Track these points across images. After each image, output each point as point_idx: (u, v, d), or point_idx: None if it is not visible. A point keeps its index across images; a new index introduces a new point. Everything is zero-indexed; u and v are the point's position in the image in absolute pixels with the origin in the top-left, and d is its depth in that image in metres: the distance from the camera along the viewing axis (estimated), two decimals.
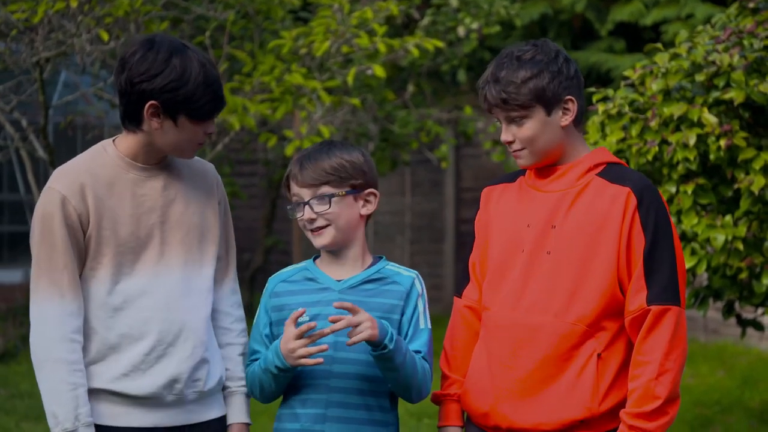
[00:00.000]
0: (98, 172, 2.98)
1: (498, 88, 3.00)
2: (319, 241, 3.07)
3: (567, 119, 3.03)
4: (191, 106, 2.92)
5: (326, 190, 3.04)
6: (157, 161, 3.03)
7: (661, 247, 2.96)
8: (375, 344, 2.91)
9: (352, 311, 2.89)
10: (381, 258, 3.14)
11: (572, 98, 3.02)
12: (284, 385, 3.05)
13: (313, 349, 2.92)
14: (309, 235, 3.09)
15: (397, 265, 3.14)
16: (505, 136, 3.05)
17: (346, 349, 3.00)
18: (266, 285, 3.17)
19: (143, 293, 2.97)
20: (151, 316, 2.97)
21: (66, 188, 2.94)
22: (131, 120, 2.97)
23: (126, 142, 3.01)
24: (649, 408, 2.90)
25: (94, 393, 2.98)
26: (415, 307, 3.07)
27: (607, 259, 2.96)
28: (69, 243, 2.94)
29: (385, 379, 3.02)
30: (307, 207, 3.05)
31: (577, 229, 2.98)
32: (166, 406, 3.01)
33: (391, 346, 2.91)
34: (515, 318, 3.00)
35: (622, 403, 2.97)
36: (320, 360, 2.93)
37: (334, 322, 2.89)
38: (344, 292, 3.05)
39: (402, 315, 3.06)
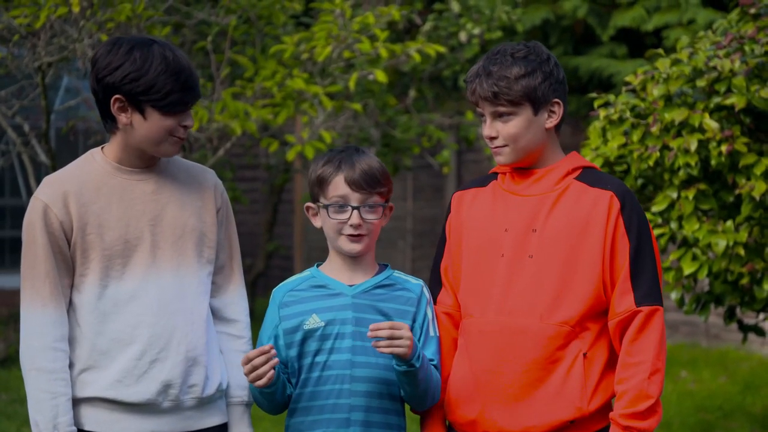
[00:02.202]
0: (85, 179, 2.98)
1: (490, 81, 3.01)
2: (355, 247, 3.05)
3: (552, 122, 3.05)
4: (154, 95, 2.90)
5: (376, 199, 3.04)
6: (145, 164, 3.03)
7: (644, 250, 2.99)
8: (403, 361, 2.92)
9: (397, 327, 2.89)
10: (386, 266, 3.15)
11: (559, 101, 3.05)
12: (277, 400, 3.04)
13: (259, 374, 2.90)
14: (342, 239, 3.05)
15: (402, 272, 3.16)
16: (488, 132, 3.06)
17: (365, 353, 3.02)
18: (272, 297, 3.14)
19: (133, 297, 2.97)
20: (141, 320, 2.96)
21: (48, 197, 2.95)
22: (107, 120, 2.98)
23: (111, 146, 3.02)
24: (643, 407, 2.91)
25: (89, 401, 2.98)
26: (425, 314, 3.10)
27: (592, 261, 2.97)
28: (51, 252, 2.94)
29: (402, 390, 3.03)
30: (355, 212, 3.03)
31: (559, 233, 2.99)
32: (162, 413, 3.00)
33: (417, 365, 2.93)
34: (500, 323, 3.00)
35: (609, 402, 2.98)
36: (262, 382, 2.91)
37: (375, 329, 2.88)
38: (357, 296, 3.06)
39: (413, 321, 3.07)
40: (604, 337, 3.00)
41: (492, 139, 3.06)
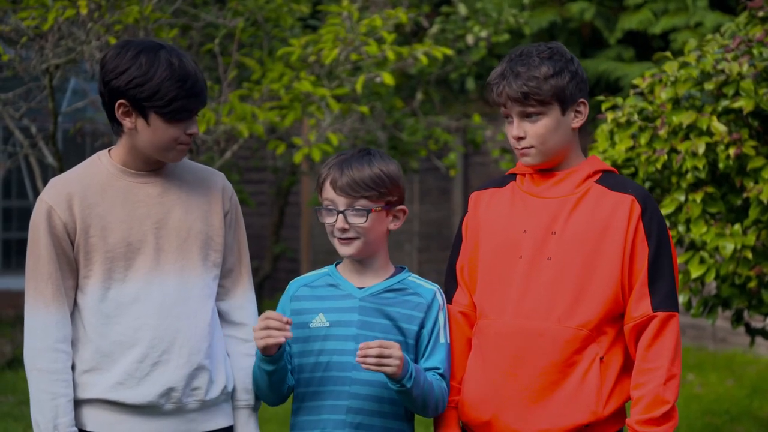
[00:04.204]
0: (90, 181, 2.98)
1: (519, 82, 2.99)
2: (346, 250, 3.06)
3: (578, 122, 3.05)
4: (157, 102, 2.89)
5: (364, 203, 3.03)
6: (152, 167, 3.02)
7: (663, 255, 2.99)
8: (394, 381, 2.93)
9: (386, 346, 2.89)
10: (404, 269, 3.15)
11: (585, 101, 3.05)
12: (276, 385, 3.03)
13: (271, 337, 2.91)
14: (335, 242, 3.08)
15: (419, 277, 3.15)
16: (516, 132, 3.04)
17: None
18: (287, 288, 3.17)
19: (135, 300, 2.97)
20: (144, 323, 2.96)
21: (53, 198, 2.96)
22: (113, 122, 2.98)
23: (118, 149, 3.02)
24: (659, 413, 2.92)
25: (91, 402, 2.98)
26: (436, 320, 3.08)
27: (611, 266, 2.97)
28: (54, 253, 2.94)
29: (405, 405, 3.04)
30: (340, 216, 3.04)
31: (578, 236, 2.98)
32: (164, 415, 3.00)
33: (408, 385, 2.93)
34: (517, 325, 2.99)
35: (623, 407, 2.99)
36: (264, 344, 2.91)
37: (365, 348, 2.88)
38: (365, 299, 3.07)
39: (422, 327, 3.07)
40: (620, 342, 3.00)
41: (519, 139, 3.04)
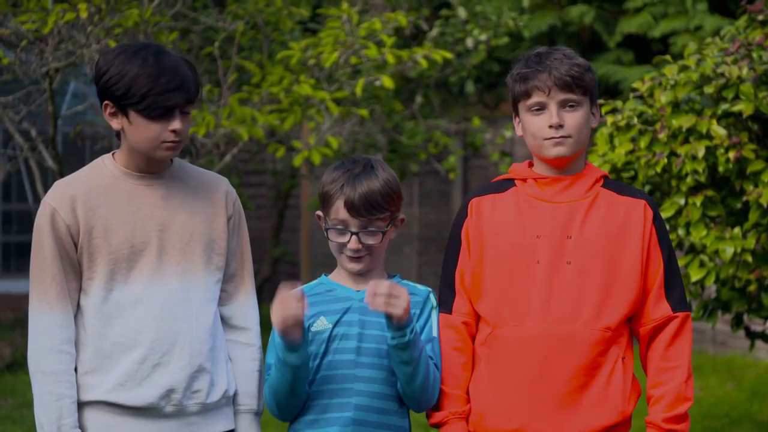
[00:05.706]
0: (94, 184, 3.00)
1: (566, 66, 2.99)
2: (356, 266, 3.06)
3: (594, 122, 3.08)
4: (132, 99, 2.90)
5: (379, 224, 3.03)
6: (154, 169, 3.03)
7: (673, 258, 3.06)
8: (396, 328, 2.91)
9: (396, 289, 2.89)
10: (396, 276, 3.16)
11: (598, 105, 3.09)
12: (301, 381, 2.99)
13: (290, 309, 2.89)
14: (343, 258, 3.06)
15: (409, 281, 3.16)
16: (556, 119, 2.99)
17: (369, 354, 3.04)
18: None
19: (137, 302, 2.97)
20: (145, 325, 2.97)
21: (56, 201, 2.97)
22: (111, 125, 3.00)
23: (119, 152, 3.04)
24: (683, 410, 2.98)
25: (91, 404, 2.98)
26: (429, 316, 3.10)
27: (632, 269, 3.01)
28: (58, 255, 2.95)
29: (398, 377, 3.01)
30: (354, 237, 3.02)
31: (595, 239, 3.00)
32: (165, 418, 3.00)
33: (410, 336, 2.92)
34: (543, 330, 2.98)
35: (638, 404, 3.03)
36: (297, 312, 2.89)
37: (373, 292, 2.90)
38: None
39: (416, 321, 3.07)
40: (632, 342, 3.05)
41: (558, 127, 3.01)
